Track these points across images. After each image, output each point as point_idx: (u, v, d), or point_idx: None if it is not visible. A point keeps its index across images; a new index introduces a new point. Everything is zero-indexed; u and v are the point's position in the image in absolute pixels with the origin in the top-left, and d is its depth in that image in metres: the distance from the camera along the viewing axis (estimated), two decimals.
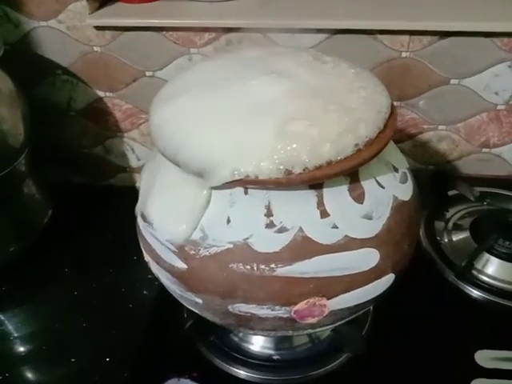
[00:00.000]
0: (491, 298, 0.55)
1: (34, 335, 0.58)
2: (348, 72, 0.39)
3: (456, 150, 0.73)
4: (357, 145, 0.32)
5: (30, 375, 0.53)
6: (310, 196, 0.34)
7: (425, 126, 0.71)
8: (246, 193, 0.34)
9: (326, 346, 0.50)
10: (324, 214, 0.34)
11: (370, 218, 0.36)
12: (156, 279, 0.60)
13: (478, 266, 0.58)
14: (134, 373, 0.51)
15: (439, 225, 0.64)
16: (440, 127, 0.71)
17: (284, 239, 0.34)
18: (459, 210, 0.66)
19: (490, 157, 0.73)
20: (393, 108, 0.36)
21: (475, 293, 0.56)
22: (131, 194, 0.79)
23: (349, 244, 0.35)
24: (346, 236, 0.35)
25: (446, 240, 0.62)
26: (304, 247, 0.34)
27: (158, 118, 0.36)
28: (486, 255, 0.58)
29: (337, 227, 0.34)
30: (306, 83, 0.36)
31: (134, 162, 0.79)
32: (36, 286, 0.63)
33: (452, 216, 0.65)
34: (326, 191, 0.34)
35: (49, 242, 0.67)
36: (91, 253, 0.67)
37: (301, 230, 0.34)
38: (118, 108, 0.73)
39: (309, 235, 0.34)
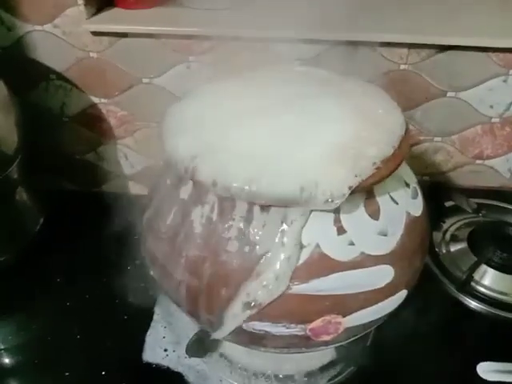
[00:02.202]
0: (489, 309, 0.56)
1: (25, 348, 0.56)
2: (357, 93, 0.39)
3: (451, 162, 0.74)
4: (375, 163, 0.32)
5: None
6: (327, 213, 0.34)
7: (421, 138, 0.72)
8: (262, 210, 0.33)
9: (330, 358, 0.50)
10: (341, 230, 0.34)
11: (385, 234, 0.36)
12: (151, 288, 0.59)
13: (476, 277, 0.59)
14: None
15: (437, 236, 0.65)
16: (436, 139, 0.72)
17: (301, 256, 0.34)
18: (456, 221, 0.67)
19: (483, 168, 0.75)
20: (407, 125, 0.37)
21: (474, 304, 0.57)
22: (124, 202, 0.78)
23: (365, 261, 0.35)
24: (362, 253, 0.35)
25: (444, 251, 0.63)
26: (321, 264, 0.34)
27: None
28: (484, 266, 0.59)
29: (353, 244, 0.34)
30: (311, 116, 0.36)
31: (127, 169, 0.78)
32: (27, 296, 0.61)
33: (449, 227, 0.66)
34: (342, 208, 0.34)
35: (40, 250, 0.65)
36: (84, 262, 0.66)
37: (318, 246, 0.34)
38: (112, 114, 0.72)
39: (326, 252, 0.34)
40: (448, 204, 0.69)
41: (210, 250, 0.34)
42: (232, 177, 0.32)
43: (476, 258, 0.60)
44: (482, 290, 0.58)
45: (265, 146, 0.33)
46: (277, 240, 0.33)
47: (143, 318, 0.57)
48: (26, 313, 0.60)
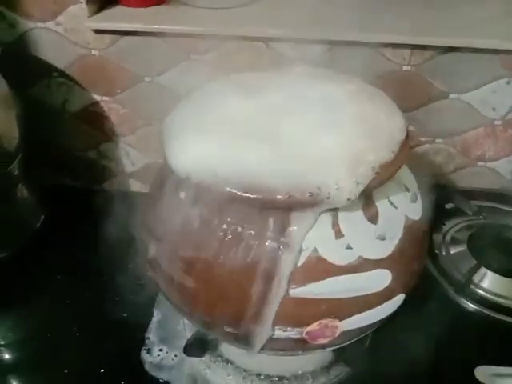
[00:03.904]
0: (488, 312, 0.56)
1: (24, 344, 0.56)
2: (358, 96, 0.39)
3: (452, 163, 0.74)
4: (373, 168, 0.32)
5: None
6: (325, 216, 0.34)
7: (422, 139, 0.72)
8: (261, 213, 0.33)
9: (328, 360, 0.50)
10: (339, 234, 0.34)
11: (383, 238, 0.36)
12: (151, 287, 0.59)
13: (476, 279, 0.59)
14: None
15: (437, 237, 0.65)
16: (437, 140, 0.72)
17: (299, 260, 0.34)
18: (456, 224, 0.67)
19: (485, 170, 0.74)
20: (407, 129, 0.37)
21: (473, 307, 0.57)
22: (125, 199, 0.78)
23: (362, 265, 0.35)
24: (360, 257, 0.35)
25: (444, 253, 0.63)
26: (318, 268, 0.34)
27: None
28: (483, 269, 0.59)
29: (351, 248, 0.34)
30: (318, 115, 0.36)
31: (128, 167, 0.78)
32: (27, 293, 0.61)
33: (449, 229, 0.66)
34: (341, 211, 0.34)
35: (41, 247, 0.65)
36: (84, 259, 0.66)
37: (315, 250, 0.34)
38: (114, 112, 0.72)
39: (323, 256, 0.34)
40: (449, 206, 0.69)
41: (207, 253, 0.34)
42: (233, 183, 0.32)
43: (475, 260, 0.60)
44: (482, 292, 0.58)
45: (265, 151, 0.32)
46: (275, 244, 0.33)
47: (143, 316, 0.57)
48: (25, 309, 0.60)
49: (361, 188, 0.31)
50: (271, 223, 0.33)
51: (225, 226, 0.34)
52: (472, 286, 0.58)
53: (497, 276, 0.59)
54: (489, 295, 0.58)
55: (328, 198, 0.31)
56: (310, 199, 0.31)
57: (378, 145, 0.34)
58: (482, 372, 0.49)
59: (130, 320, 0.57)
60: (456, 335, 0.54)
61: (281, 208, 0.32)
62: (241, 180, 0.32)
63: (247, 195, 0.31)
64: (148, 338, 0.54)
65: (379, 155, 0.33)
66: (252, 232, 0.33)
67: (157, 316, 0.57)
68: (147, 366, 0.51)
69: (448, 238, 0.65)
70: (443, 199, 0.69)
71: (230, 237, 0.34)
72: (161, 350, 0.53)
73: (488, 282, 0.59)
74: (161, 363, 0.51)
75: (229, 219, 0.34)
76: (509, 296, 0.57)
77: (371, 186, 0.33)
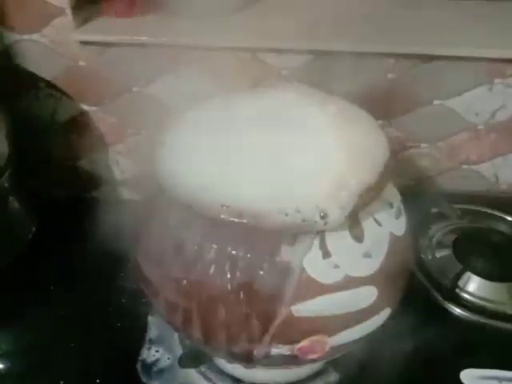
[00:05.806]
0: (473, 316, 0.57)
1: (19, 356, 0.56)
2: (340, 117, 0.40)
3: (437, 167, 0.76)
4: (358, 192, 0.33)
5: None
6: (313, 237, 0.35)
7: (408, 144, 0.73)
8: (252, 236, 0.34)
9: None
10: (326, 254, 0.35)
11: (369, 255, 0.37)
12: (144, 296, 0.60)
13: (461, 284, 0.60)
14: None
15: (423, 241, 0.66)
16: (422, 145, 0.73)
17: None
18: (442, 227, 0.68)
19: (469, 173, 0.76)
20: (391, 151, 0.38)
21: (457, 311, 0.58)
22: (115, 208, 0.78)
23: (349, 283, 0.36)
24: (347, 275, 0.36)
25: (430, 257, 0.64)
26: (307, 287, 0.35)
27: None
28: (468, 273, 0.60)
29: (338, 267, 0.36)
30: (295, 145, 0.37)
31: (118, 175, 0.78)
32: (20, 304, 0.61)
33: (435, 233, 0.67)
34: (328, 232, 0.35)
35: (33, 259, 0.65)
36: (77, 270, 0.66)
37: (304, 270, 0.35)
38: (102, 122, 0.72)
39: (312, 275, 0.35)
40: (434, 210, 0.70)
41: (201, 276, 0.35)
42: (224, 208, 0.33)
43: (461, 265, 0.61)
44: (467, 296, 0.59)
45: (249, 177, 0.33)
46: (268, 266, 0.34)
47: (137, 326, 0.57)
48: (19, 321, 0.60)
49: (345, 213, 0.32)
50: (263, 247, 0.34)
51: (217, 249, 0.35)
52: (457, 290, 0.59)
53: (482, 280, 0.60)
54: (474, 299, 0.59)
55: (314, 223, 0.32)
56: (297, 225, 0.32)
57: (362, 168, 0.35)
58: (467, 375, 0.51)
59: (124, 330, 0.58)
60: (442, 339, 0.55)
61: (271, 233, 0.33)
62: (232, 205, 0.32)
63: (238, 220, 0.32)
64: (143, 344, 0.55)
65: (363, 178, 0.34)
66: (246, 255, 0.34)
67: (151, 325, 0.57)
68: (139, 367, 0.52)
69: (434, 241, 0.66)
70: (429, 203, 0.70)
71: (223, 260, 0.35)
72: (154, 357, 0.53)
73: (473, 286, 0.60)
74: (153, 365, 0.52)
75: (221, 242, 0.35)
76: (494, 300, 0.58)
77: (356, 209, 0.34)
